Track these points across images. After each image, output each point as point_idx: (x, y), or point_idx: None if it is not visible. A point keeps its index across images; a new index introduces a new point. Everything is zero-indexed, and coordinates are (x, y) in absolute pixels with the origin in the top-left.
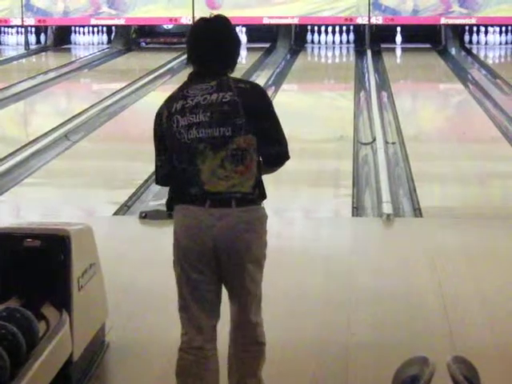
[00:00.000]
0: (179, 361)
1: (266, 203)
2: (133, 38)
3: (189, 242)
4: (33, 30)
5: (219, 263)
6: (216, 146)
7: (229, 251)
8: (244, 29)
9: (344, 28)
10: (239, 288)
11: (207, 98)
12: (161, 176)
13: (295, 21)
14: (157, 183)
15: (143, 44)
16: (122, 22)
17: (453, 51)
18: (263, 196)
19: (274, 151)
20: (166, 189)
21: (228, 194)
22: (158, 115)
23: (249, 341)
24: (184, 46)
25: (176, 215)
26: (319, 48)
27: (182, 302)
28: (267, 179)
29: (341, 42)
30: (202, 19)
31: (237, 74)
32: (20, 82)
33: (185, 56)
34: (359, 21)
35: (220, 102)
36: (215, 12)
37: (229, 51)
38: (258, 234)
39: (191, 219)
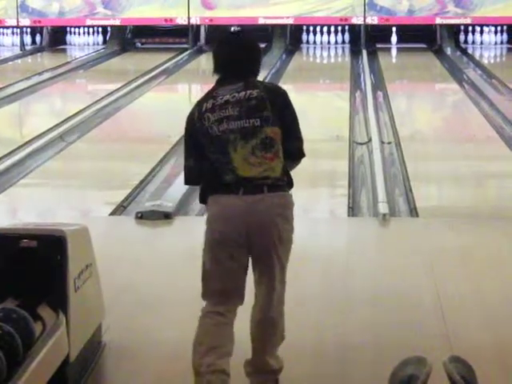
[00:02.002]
0: (199, 327)
1: None
2: (128, 37)
3: (223, 228)
4: (28, 30)
5: (251, 248)
6: (246, 136)
7: (262, 235)
8: (239, 29)
9: (339, 28)
10: (268, 271)
11: (235, 96)
12: (190, 175)
13: (290, 21)
14: (186, 183)
15: (138, 45)
16: (117, 22)
17: (448, 51)
18: (291, 184)
19: (295, 146)
20: (162, 190)
21: (260, 180)
22: (190, 117)
23: (270, 322)
24: (179, 46)
25: (210, 205)
26: (314, 48)
27: (207, 283)
28: None
29: (336, 42)
30: (230, 33)
31: None
32: (15, 82)
33: (180, 56)
34: (354, 21)
35: (248, 97)
36: (211, 12)
37: (254, 59)
38: (288, 219)
39: (225, 207)
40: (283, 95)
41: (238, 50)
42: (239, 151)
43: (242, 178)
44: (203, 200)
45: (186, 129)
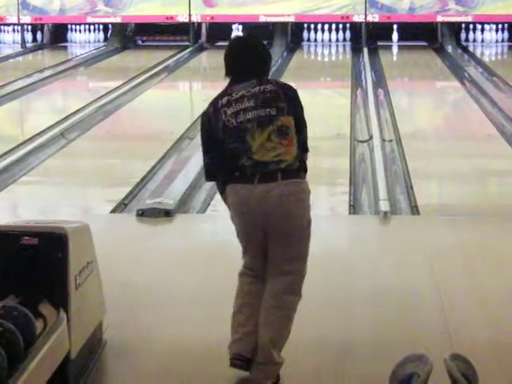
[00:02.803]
0: (240, 285)
1: None
2: (130, 36)
3: (242, 216)
4: (29, 28)
5: (268, 236)
6: (263, 124)
7: (278, 221)
8: (240, 27)
9: (340, 26)
10: (284, 257)
11: (250, 91)
12: (208, 170)
13: (291, 19)
14: (207, 179)
15: (139, 42)
16: (118, 20)
17: (449, 49)
18: (305, 170)
19: (304, 137)
20: (163, 187)
21: (274, 165)
22: (205, 114)
23: (281, 307)
24: (180, 43)
25: (228, 195)
26: (316, 46)
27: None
28: None
29: (337, 39)
30: (238, 38)
31: None
32: (16, 80)
33: (180, 54)
34: (355, 19)
35: (262, 91)
36: (212, 9)
37: (264, 58)
38: (302, 206)
39: (241, 197)
40: (294, 90)
41: (249, 50)
42: (257, 138)
43: (257, 163)
44: (222, 190)
45: (202, 127)
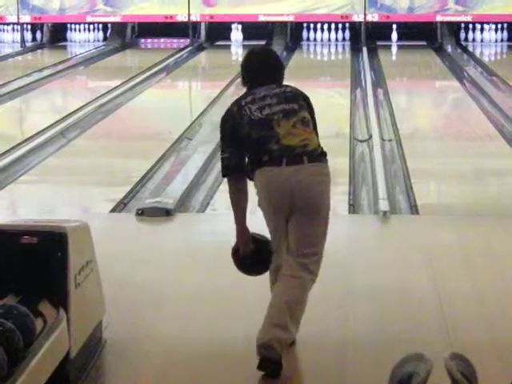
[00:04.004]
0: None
1: None
2: (134, 38)
3: (270, 196)
4: (29, 27)
5: (293, 212)
6: (288, 115)
7: (304, 200)
8: (240, 26)
9: (340, 25)
10: (307, 236)
11: (271, 92)
12: (229, 164)
13: (291, 18)
14: (224, 175)
15: (143, 44)
16: (117, 19)
17: (448, 48)
18: (326, 155)
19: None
20: (162, 186)
21: (300, 148)
22: (228, 113)
23: (298, 282)
24: (179, 44)
25: (257, 179)
26: (315, 45)
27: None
28: None
29: (336, 39)
30: (258, 49)
31: (233, 70)
32: (16, 79)
33: (180, 54)
34: (355, 18)
35: (283, 92)
36: (211, 9)
37: (281, 66)
38: (326, 187)
39: (270, 178)
40: (306, 95)
41: (267, 58)
42: (282, 126)
43: (285, 147)
44: (252, 177)
45: (224, 124)
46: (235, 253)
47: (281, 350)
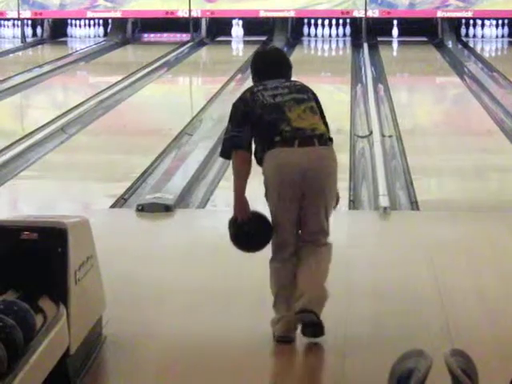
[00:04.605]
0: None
1: (261, 197)
2: (137, 32)
3: (282, 176)
4: (29, 22)
5: (304, 191)
6: (298, 102)
7: (315, 178)
8: (241, 22)
9: (340, 21)
10: (316, 209)
11: (282, 84)
12: (239, 140)
13: (292, 14)
14: (223, 154)
15: (145, 38)
16: (118, 14)
17: (449, 44)
18: (332, 141)
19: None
20: (163, 182)
21: (310, 131)
22: (241, 99)
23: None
24: (182, 38)
25: (268, 159)
26: (316, 41)
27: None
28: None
29: (337, 35)
30: (268, 48)
31: (234, 66)
32: (16, 74)
33: (181, 49)
34: (356, 14)
35: (293, 85)
36: (212, 4)
37: (289, 64)
38: (334, 168)
39: (283, 158)
40: (314, 92)
41: (277, 56)
42: (293, 111)
43: (296, 128)
44: (260, 161)
45: (237, 108)
46: (233, 224)
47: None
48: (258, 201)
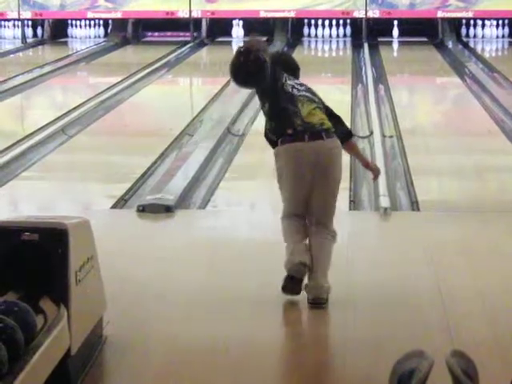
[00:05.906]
0: (288, 223)
1: (262, 198)
2: (139, 31)
3: (296, 169)
4: (29, 23)
5: (313, 180)
6: (310, 101)
7: (323, 167)
8: (241, 22)
9: (341, 21)
10: (323, 196)
11: (299, 82)
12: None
13: (292, 14)
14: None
15: (148, 37)
16: (118, 15)
17: (450, 45)
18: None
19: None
20: (163, 183)
21: (319, 126)
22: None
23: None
24: (181, 39)
25: (282, 153)
26: (316, 42)
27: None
28: (267, 173)
29: (338, 35)
30: (278, 52)
31: None
32: (17, 75)
33: (181, 50)
34: (356, 14)
35: (307, 86)
36: (212, 5)
37: (297, 66)
38: (340, 158)
39: (295, 151)
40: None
41: (290, 59)
42: (305, 107)
43: (307, 123)
44: (271, 142)
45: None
46: (238, 55)
47: (304, 273)
48: (261, 201)
